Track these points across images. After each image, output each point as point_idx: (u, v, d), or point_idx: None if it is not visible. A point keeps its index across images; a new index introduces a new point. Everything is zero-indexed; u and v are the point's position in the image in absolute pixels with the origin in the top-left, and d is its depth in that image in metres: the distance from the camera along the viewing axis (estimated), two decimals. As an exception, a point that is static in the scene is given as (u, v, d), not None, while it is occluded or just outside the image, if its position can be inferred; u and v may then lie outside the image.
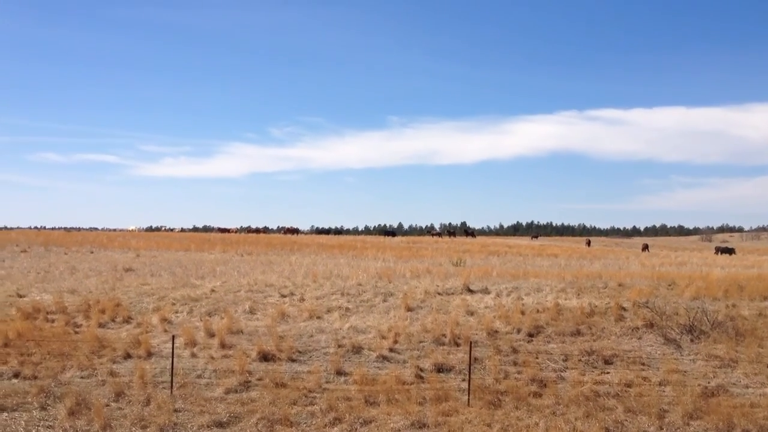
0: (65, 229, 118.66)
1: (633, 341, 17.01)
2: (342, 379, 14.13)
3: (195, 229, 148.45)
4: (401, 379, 14.05)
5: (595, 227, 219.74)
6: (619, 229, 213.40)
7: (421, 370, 14.66)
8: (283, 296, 21.50)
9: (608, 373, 14.77)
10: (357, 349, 15.85)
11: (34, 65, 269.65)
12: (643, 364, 15.37)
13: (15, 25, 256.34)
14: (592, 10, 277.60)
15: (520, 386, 13.58)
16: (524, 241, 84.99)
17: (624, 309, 19.43)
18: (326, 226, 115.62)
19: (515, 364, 15.15)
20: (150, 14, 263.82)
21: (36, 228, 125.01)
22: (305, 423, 11.70)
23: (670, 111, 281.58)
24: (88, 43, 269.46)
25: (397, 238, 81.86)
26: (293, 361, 15.15)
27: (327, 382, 13.87)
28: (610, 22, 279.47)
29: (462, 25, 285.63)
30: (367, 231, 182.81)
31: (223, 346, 15.91)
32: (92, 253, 41.36)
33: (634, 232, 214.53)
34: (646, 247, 67.07)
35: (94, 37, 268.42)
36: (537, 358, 15.52)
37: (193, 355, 15.36)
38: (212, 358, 15.16)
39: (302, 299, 20.97)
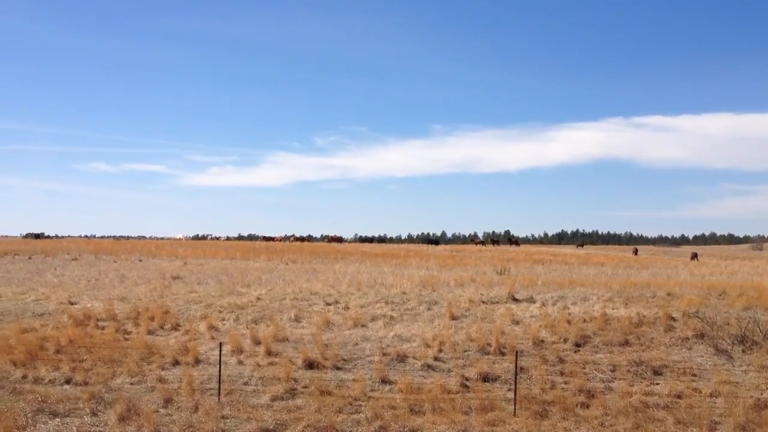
0: (114, 237, 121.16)
1: (683, 352, 16.69)
2: (387, 387, 14.14)
3: (240, 238, 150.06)
4: (446, 388, 14.00)
5: (642, 236, 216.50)
6: (666, 238, 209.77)
7: (467, 379, 14.59)
8: (328, 304, 21.61)
9: (658, 384, 14.52)
10: (401, 358, 15.84)
11: (84, 77, 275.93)
12: (694, 375, 15.07)
13: (67, 37, 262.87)
14: (638, 16, 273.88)
15: (567, 397, 13.43)
16: (569, 250, 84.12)
17: (673, 319, 19.08)
18: (370, 235, 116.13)
19: (562, 374, 14.99)
20: (197, 26, 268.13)
21: (86, 236, 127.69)
22: (351, 431, 11.73)
23: (719, 117, 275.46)
24: (137, 55, 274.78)
25: (441, 247, 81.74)
26: (338, 368, 15.21)
27: (372, 391, 13.89)
28: (658, 27, 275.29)
29: (505, 32, 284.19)
30: (410, 239, 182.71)
31: (269, 353, 16.05)
32: (141, 261, 42.11)
33: (683, 240, 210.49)
34: (695, 256, 65.82)
35: (142, 48, 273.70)
36: (584, 368, 15.33)
37: (240, 363, 15.51)
38: (258, 365, 15.30)
39: (347, 307, 21.05)
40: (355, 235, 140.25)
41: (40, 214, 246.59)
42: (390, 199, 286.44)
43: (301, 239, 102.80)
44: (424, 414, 12.50)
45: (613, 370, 15.25)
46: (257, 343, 16.84)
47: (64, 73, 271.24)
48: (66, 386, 13.97)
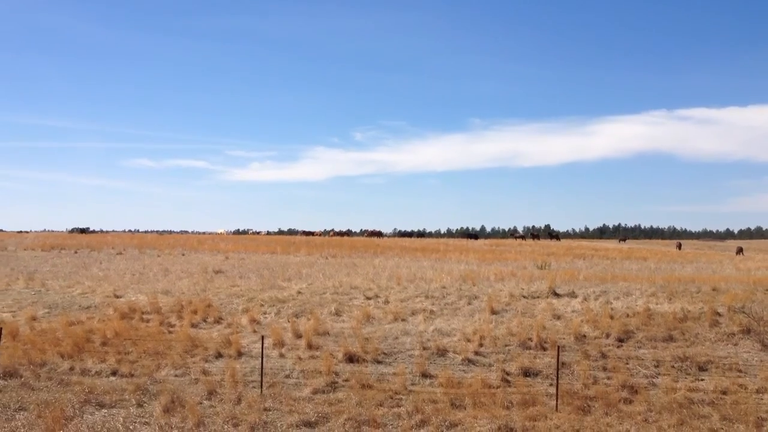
0: (158, 232, 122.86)
1: (728, 347, 16.41)
2: (427, 381, 14.14)
3: (280, 232, 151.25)
4: (487, 382, 13.96)
5: (685, 230, 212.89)
6: (711, 232, 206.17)
7: (507, 373, 14.53)
8: (368, 298, 21.68)
9: (702, 380, 14.29)
10: (442, 352, 15.83)
11: (129, 74, 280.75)
12: (740, 371, 14.80)
13: (112, 36, 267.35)
14: (682, 6, 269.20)
15: (610, 392, 13.29)
16: (611, 244, 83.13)
17: (719, 314, 18.76)
18: (408, 229, 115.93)
19: (604, 369, 14.84)
20: (238, 23, 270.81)
21: (130, 231, 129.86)
22: (392, 424, 11.76)
23: (765, 109, 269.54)
24: (181, 52, 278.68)
25: (480, 241, 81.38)
26: (378, 362, 15.26)
27: (412, 384, 13.91)
28: (701, 17, 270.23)
29: (544, 25, 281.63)
30: (450, 234, 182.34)
31: (310, 347, 16.16)
32: (183, 255, 42.70)
33: (728, 234, 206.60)
34: (740, 250, 64.52)
35: (185, 46, 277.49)
36: (627, 363, 15.15)
37: (282, 356, 15.65)
38: (300, 358, 15.41)
39: (386, 301, 21.11)
40: (394, 229, 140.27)
41: (86, 209, 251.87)
42: (429, 193, 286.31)
43: (341, 234, 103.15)
44: (465, 408, 12.48)
45: (656, 366, 15.05)
46: (298, 336, 16.98)
47: (109, 71, 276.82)
48: (112, 378, 14.23)
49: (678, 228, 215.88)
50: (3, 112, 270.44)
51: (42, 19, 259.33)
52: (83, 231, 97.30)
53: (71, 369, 14.71)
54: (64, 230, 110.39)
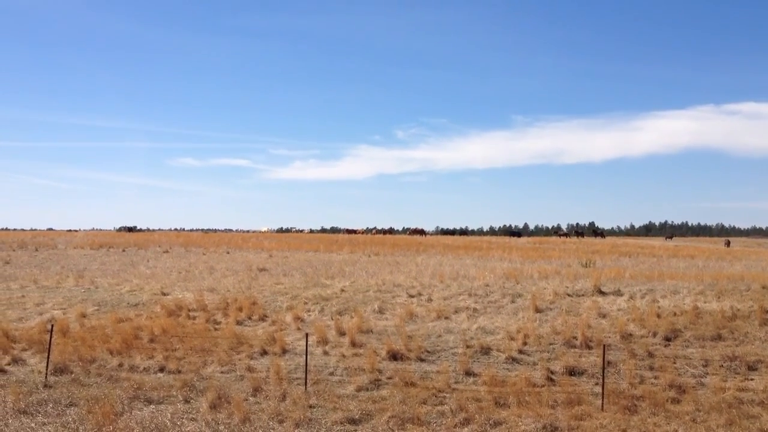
0: (203, 230, 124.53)
1: (780, 347, 16.03)
2: (471, 379, 14.10)
3: (323, 230, 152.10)
4: (531, 381, 13.86)
5: (734, 227, 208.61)
6: (761, 229, 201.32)
7: (552, 372, 14.40)
8: (411, 296, 21.68)
9: (752, 379, 13.99)
10: (485, 350, 15.76)
11: (174, 74, 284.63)
12: (792, 371, 14.45)
13: (157, 36, 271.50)
14: (723, 1, 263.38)
15: (657, 392, 13.09)
16: (657, 242, 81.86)
17: (769, 313, 18.35)
18: (451, 227, 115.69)
19: (651, 368, 14.62)
20: (279, 22, 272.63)
21: (176, 230, 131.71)
22: (435, 422, 11.75)
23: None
24: (223, 51, 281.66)
25: (523, 239, 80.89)
26: (422, 360, 15.25)
27: (456, 383, 13.87)
28: (746, 10, 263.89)
29: (587, 18, 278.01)
30: (492, 232, 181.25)
31: (353, 344, 16.23)
32: (228, 253, 43.20)
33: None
34: (792, 248, 62.97)
35: (227, 45, 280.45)
36: (674, 363, 14.90)
37: (325, 353, 15.75)
38: (343, 356, 15.49)
39: (430, 299, 21.08)
40: (437, 227, 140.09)
41: (134, 208, 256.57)
42: (471, 191, 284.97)
43: (383, 232, 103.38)
44: (509, 407, 12.41)
45: (705, 365, 14.78)
46: (342, 334, 17.06)
47: (155, 71, 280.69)
48: (160, 374, 14.47)
49: (726, 225, 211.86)
50: (52, 113, 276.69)
51: (88, 18, 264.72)
52: (130, 230, 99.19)
53: (120, 365, 14.99)
54: (112, 229, 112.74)
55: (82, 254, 41.41)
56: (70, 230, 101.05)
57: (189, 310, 20.00)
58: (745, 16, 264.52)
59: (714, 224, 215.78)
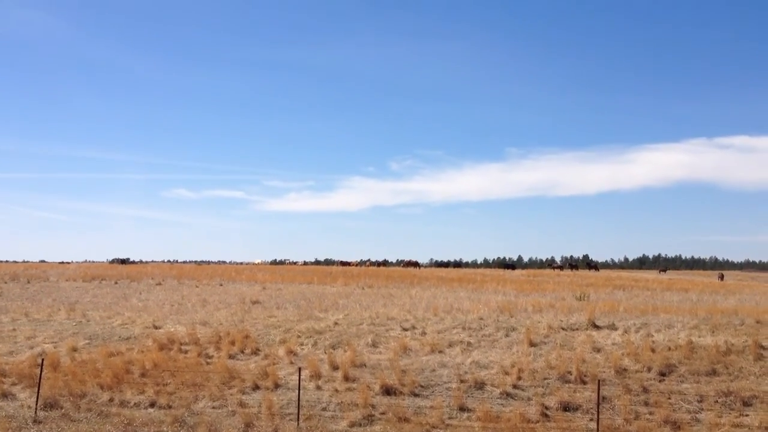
0: (196, 262, 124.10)
1: (775, 382, 15.96)
2: (465, 415, 13.99)
3: (317, 262, 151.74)
4: (526, 416, 13.76)
5: (728, 260, 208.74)
6: (754, 263, 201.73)
7: (547, 408, 14.31)
8: (405, 330, 21.57)
9: (747, 415, 13.93)
10: (479, 385, 15.66)
11: (169, 106, 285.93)
12: (787, 407, 14.38)
13: (152, 69, 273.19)
14: (719, 35, 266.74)
15: (653, 428, 13.02)
16: (651, 275, 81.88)
17: (763, 347, 18.30)
18: (445, 259, 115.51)
19: (646, 404, 14.54)
20: (274, 54, 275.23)
21: (169, 261, 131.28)
22: (429, 459, 11.63)
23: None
24: (216, 84, 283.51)
25: (517, 271, 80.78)
26: (416, 395, 15.15)
27: (450, 418, 13.77)
28: (739, 44, 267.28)
29: (580, 52, 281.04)
30: (486, 264, 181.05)
31: (346, 379, 16.11)
32: (221, 285, 43.00)
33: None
34: (785, 281, 63.03)
35: (220, 78, 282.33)
36: (669, 398, 14.83)
37: (318, 388, 15.62)
38: (336, 390, 15.37)
39: (423, 333, 20.98)
40: (431, 259, 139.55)
41: (127, 239, 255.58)
42: (465, 223, 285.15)
43: (377, 264, 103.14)
44: (504, 443, 12.30)
45: (700, 401, 14.71)
46: (335, 368, 16.94)
47: (149, 104, 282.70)
48: (150, 409, 14.32)
49: (720, 258, 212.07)
50: (46, 143, 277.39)
51: (85, 50, 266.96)
52: (123, 261, 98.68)
53: (110, 400, 14.85)
54: (105, 260, 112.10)
55: (74, 286, 41.16)
56: (62, 262, 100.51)
57: (181, 344, 19.84)
58: (737, 52, 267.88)
59: (707, 257, 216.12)
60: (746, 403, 14.57)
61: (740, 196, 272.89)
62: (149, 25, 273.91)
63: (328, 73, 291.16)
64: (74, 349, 19.24)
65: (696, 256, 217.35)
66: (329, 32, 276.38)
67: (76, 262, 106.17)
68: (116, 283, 44.43)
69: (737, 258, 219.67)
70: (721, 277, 76.49)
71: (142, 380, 16.11)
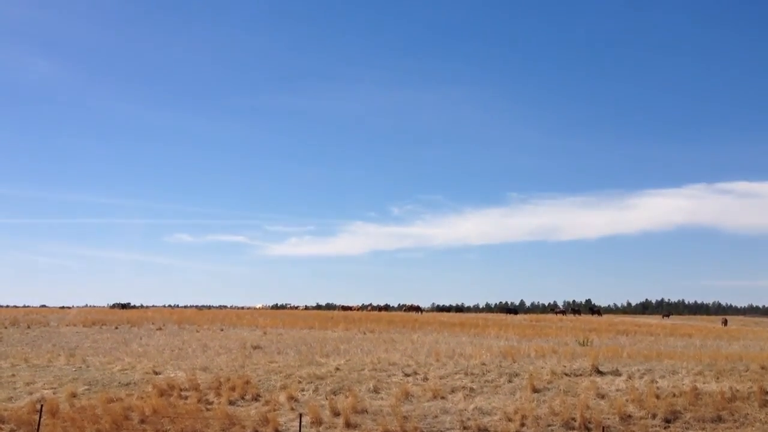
0: (197, 307, 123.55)
1: (781, 429, 15.79)
2: (468, 462, 13.82)
3: (318, 307, 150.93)
4: (530, 464, 13.59)
5: (731, 305, 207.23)
6: (757, 308, 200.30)
7: (551, 455, 14.13)
8: (407, 375, 21.41)
9: (755, 463, 13.75)
10: (482, 431, 15.50)
11: (170, 152, 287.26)
12: (795, 454, 14.21)
13: (153, 115, 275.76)
14: (718, 79, 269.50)
15: (658, 476, 12.84)
16: (654, 320, 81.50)
17: (769, 394, 18.14)
18: (447, 304, 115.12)
19: (651, 451, 14.36)
20: (274, 100, 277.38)
21: (170, 306, 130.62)
22: (432, 508, 11.47)
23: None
24: (217, 130, 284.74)
25: (519, 316, 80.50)
26: (418, 442, 14.97)
27: (453, 466, 13.60)
28: (739, 89, 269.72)
29: (581, 99, 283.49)
30: (488, 308, 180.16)
31: (348, 425, 15.96)
32: (222, 330, 42.80)
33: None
34: (789, 327, 62.62)
35: (221, 124, 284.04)
36: (675, 445, 14.66)
37: (319, 434, 15.46)
38: (338, 437, 15.21)
39: (425, 378, 20.81)
40: (433, 304, 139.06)
41: (127, 284, 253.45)
42: (467, 267, 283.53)
43: (379, 308, 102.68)
44: (508, 491, 12.13)
45: (706, 448, 14.53)
46: (336, 414, 16.79)
47: (150, 149, 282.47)
48: (150, 456, 14.17)
49: (723, 303, 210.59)
50: (47, 188, 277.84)
51: (85, 96, 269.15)
52: (124, 306, 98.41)
53: (109, 447, 14.69)
54: (105, 305, 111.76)
55: (74, 332, 40.98)
56: (63, 307, 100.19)
57: (181, 390, 19.68)
58: (736, 97, 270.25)
59: (711, 302, 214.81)
60: (753, 451, 14.39)
61: (742, 241, 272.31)
62: (150, 71, 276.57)
63: (330, 118, 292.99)
64: (73, 395, 19.08)
65: (699, 301, 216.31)
66: (330, 78, 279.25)
67: (77, 307, 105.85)
68: (116, 328, 44.23)
69: (740, 303, 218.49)
70: (725, 323, 76.06)
71: (142, 427, 15.96)
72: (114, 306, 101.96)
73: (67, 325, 45.76)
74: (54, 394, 19.34)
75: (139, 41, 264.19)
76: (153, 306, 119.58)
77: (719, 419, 16.33)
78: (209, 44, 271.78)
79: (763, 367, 21.74)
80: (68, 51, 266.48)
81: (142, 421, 16.36)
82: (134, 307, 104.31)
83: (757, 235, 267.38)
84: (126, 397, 18.89)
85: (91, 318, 52.13)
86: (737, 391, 18.54)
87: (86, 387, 20.38)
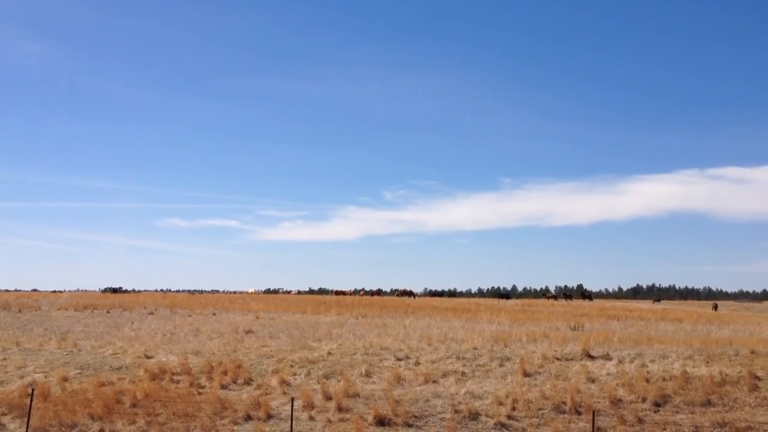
0: (189, 291, 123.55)
1: (770, 413, 15.91)
2: (459, 446, 13.87)
3: (311, 292, 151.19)
4: (520, 447, 13.65)
5: (721, 290, 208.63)
6: (748, 293, 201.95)
7: (541, 438, 14.21)
8: (399, 359, 21.46)
9: (744, 447, 13.85)
10: (474, 415, 15.57)
11: (164, 135, 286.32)
12: (783, 438, 14.32)
13: (147, 98, 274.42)
14: (710, 65, 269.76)
15: (648, 459, 12.92)
16: (645, 305, 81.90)
17: (758, 378, 18.25)
18: (439, 289, 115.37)
19: (641, 435, 14.45)
20: (269, 85, 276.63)
21: (162, 291, 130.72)
22: (423, 491, 11.52)
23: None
24: (211, 113, 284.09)
25: (512, 301, 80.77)
26: (409, 426, 15.04)
27: (444, 449, 13.65)
28: (731, 75, 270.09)
29: (575, 84, 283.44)
30: (481, 293, 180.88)
31: (340, 409, 16.00)
32: (214, 315, 42.80)
33: (764, 295, 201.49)
34: (779, 312, 63.05)
35: (216, 107, 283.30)
36: (664, 429, 14.76)
37: (311, 418, 15.50)
38: (329, 421, 15.25)
39: (417, 363, 20.87)
40: (425, 289, 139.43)
41: (120, 268, 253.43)
42: (459, 252, 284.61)
43: (371, 293, 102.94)
44: (498, 474, 12.20)
45: (695, 432, 14.63)
46: (328, 398, 16.82)
47: (144, 133, 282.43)
48: (141, 440, 14.18)
49: (713, 288, 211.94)
50: (39, 173, 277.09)
51: (76, 80, 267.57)
52: (116, 291, 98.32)
53: (101, 431, 14.71)
54: (97, 290, 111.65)
55: (65, 316, 40.91)
56: (54, 291, 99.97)
57: (173, 374, 19.68)
58: (726, 83, 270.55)
59: (701, 287, 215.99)
60: (742, 434, 14.49)
61: (733, 227, 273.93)
62: (144, 54, 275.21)
63: (324, 104, 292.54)
64: (65, 379, 19.07)
65: (690, 286, 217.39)
66: (325, 61, 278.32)
67: (69, 291, 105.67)
68: (108, 312, 44.17)
69: (731, 288, 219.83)
70: (715, 308, 76.56)
71: (133, 410, 15.96)
72: (106, 290, 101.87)
73: (58, 309, 45.66)
74: (45, 377, 19.33)
75: (131, 23, 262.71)
76: (145, 290, 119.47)
77: (709, 403, 16.43)
78: (201, 26, 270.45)
79: (752, 352, 21.87)
80: (59, 33, 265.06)
81: (134, 405, 16.36)
82: (126, 291, 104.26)
83: (748, 220, 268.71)
84: (117, 381, 18.89)
85: (83, 302, 52.04)
86: (727, 375, 18.65)
87: (78, 371, 20.37)
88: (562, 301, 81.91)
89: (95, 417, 15.41)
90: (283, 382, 18.50)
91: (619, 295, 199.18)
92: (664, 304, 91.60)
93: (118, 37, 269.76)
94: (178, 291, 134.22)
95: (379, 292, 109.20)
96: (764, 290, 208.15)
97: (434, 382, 18.56)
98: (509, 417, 15.48)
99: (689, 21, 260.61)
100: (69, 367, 20.86)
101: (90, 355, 22.86)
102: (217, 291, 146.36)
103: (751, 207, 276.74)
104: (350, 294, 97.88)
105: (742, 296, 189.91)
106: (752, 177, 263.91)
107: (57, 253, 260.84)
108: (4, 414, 15.75)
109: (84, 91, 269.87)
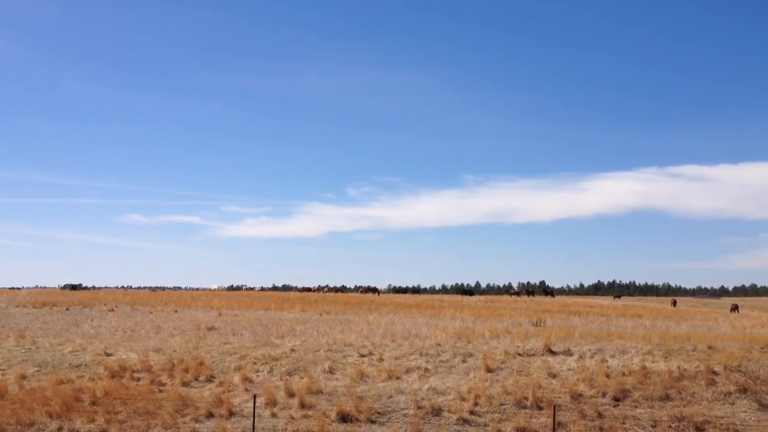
0: (151, 288, 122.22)
1: (725, 407, 16.25)
2: (422, 441, 13.93)
3: (274, 288, 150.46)
4: (482, 442, 13.76)
5: (680, 287, 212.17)
6: (706, 289, 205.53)
7: (503, 433, 14.33)
8: (362, 356, 21.48)
9: (700, 440, 14.12)
10: (436, 411, 15.64)
11: (124, 131, 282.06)
12: (737, 431, 14.63)
13: (108, 94, 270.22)
14: (671, 65, 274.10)
15: (607, 453, 13.11)
16: (606, 301, 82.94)
17: (715, 373, 18.62)
18: (403, 285, 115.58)
19: (601, 429, 14.66)
20: (231, 81, 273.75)
21: (123, 287, 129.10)
22: (385, 486, 11.55)
23: (758, 166, 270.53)
24: (173, 109, 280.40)
25: (475, 297, 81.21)
26: (372, 422, 15.06)
27: (407, 445, 13.70)
28: (691, 74, 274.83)
29: (537, 82, 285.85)
30: (444, 290, 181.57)
31: (302, 406, 15.96)
32: (176, 312, 42.39)
33: (722, 291, 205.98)
34: (735, 308, 64.29)
35: (178, 103, 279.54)
36: (624, 423, 14.98)
37: (274, 415, 15.44)
38: (292, 418, 15.21)
39: (381, 359, 20.90)
40: (389, 285, 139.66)
41: (79, 265, 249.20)
42: (423, 249, 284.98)
43: (335, 290, 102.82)
44: (460, 469, 12.27)
45: (653, 426, 14.89)
46: (291, 395, 16.77)
47: (103, 129, 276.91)
48: (101, 438, 14.00)
49: (673, 285, 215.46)
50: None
51: (37, 75, 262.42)
52: (75, 287, 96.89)
53: (59, 429, 14.49)
54: (57, 286, 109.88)
55: (24, 313, 40.20)
56: (12, 288, 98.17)
57: (133, 371, 19.46)
58: (688, 84, 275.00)
59: (661, 284, 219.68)
60: (699, 428, 14.80)
61: (692, 224, 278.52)
62: (103, 48, 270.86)
63: (287, 98, 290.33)
64: (23, 377, 18.75)
65: (649, 283, 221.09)
66: (287, 57, 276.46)
67: (27, 287, 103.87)
68: (68, 309, 43.50)
69: (689, 284, 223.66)
70: (674, 304, 77.82)
71: (93, 408, 15.75)
72: (65, 287, 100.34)
73: (16, 306, 44.86)
74: (2, 375, 18.98)
75: (92, 18, 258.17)
76: (105, 287, 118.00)
77: (667, 397, 16.71)
78: (163, 22, 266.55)
79: (710, 347, 22.28)
80: (21, 28, 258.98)
81: (94, 403, 16.15)
82: (86, 288, 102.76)
83: (707, 218, 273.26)
84: (77, 379, 18.62)
85: (42, 299, 51.17)
86: (685, 370, 18.99)
87: (36, 369, 20.04)
88: (525, 298, 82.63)
89: (54, 415, 15.18)
90: (246, 379, 18.40)
91: (580, 291, 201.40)
92: (625, 301, 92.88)
93: (78, 34, 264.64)
94: (139, 288, 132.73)
95: (343, 289, 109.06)
96: (722, 286, 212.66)
97: (397, 378, 18.61)
98: (471, 412, 15.59)
99: (649, 19, 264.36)
100: (27, 364, 20.51)
101: (49, 353, 22.50)
102: (180, 288, 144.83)
103: (709, 205, 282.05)
104: (314, 291, 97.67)
105: (700, 292, 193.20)
106: (711, 175, 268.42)
107: (15, 250, 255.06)
108: (-41, 413, 15.44)
109: (42, 86, 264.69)
